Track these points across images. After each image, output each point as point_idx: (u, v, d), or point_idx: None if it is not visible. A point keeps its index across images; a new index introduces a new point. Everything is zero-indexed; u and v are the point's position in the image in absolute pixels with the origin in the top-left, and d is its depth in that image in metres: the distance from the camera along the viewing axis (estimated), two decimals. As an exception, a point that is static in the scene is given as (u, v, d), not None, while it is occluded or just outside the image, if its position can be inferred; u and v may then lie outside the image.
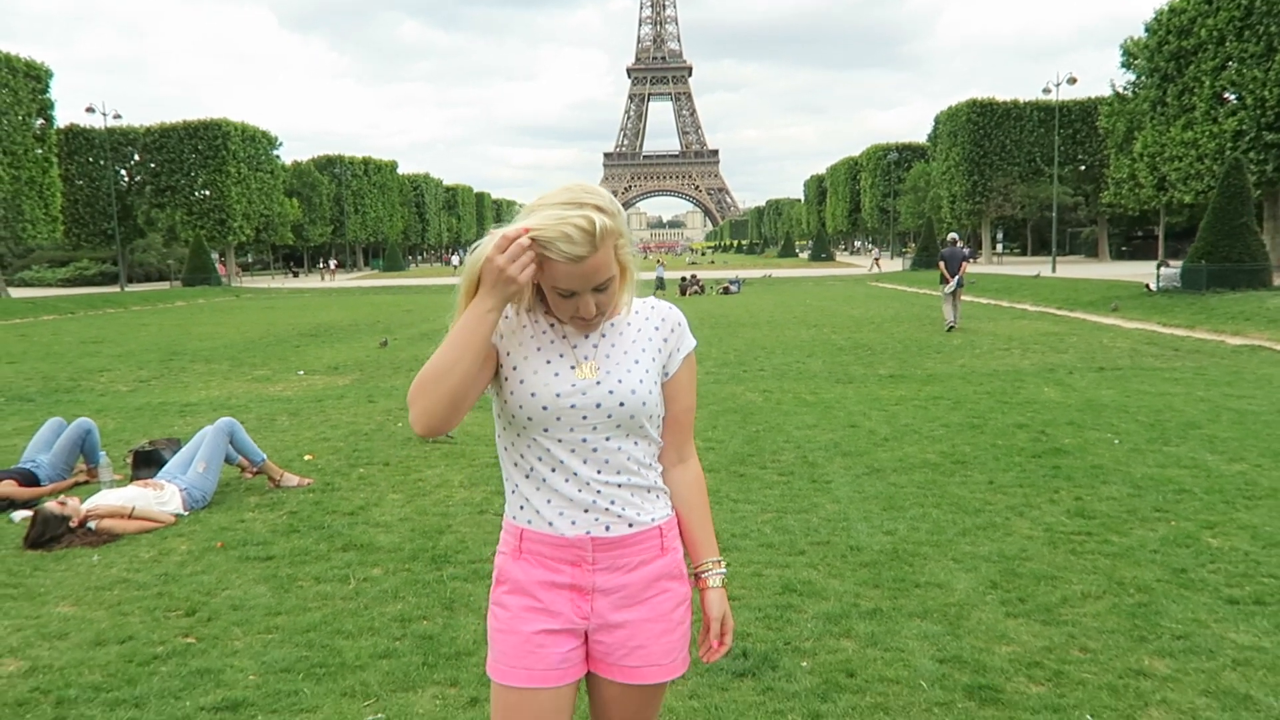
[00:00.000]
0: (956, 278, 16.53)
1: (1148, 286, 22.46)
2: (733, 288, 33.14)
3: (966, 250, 18.34)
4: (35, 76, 40.00)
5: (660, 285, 32.99)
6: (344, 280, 58.61)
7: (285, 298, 38.27)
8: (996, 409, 8.53)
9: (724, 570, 1.93)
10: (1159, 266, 23.37)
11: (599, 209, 1.62)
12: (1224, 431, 7.28)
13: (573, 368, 1.73)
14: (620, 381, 1.73)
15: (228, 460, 6.16)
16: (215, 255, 51.57)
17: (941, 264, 17.01)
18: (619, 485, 1.76)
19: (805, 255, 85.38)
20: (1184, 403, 8.64)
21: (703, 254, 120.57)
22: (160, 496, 5.53)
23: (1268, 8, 28.83)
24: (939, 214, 56.05)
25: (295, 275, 67.47)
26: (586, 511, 1.75)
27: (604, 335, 1.78)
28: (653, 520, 1.80)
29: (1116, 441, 7.02)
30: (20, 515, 5.60)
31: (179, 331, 21.18)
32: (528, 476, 1.78)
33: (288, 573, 4.55)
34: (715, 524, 5.11)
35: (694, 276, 35.78)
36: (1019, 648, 3.50)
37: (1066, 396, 9.17)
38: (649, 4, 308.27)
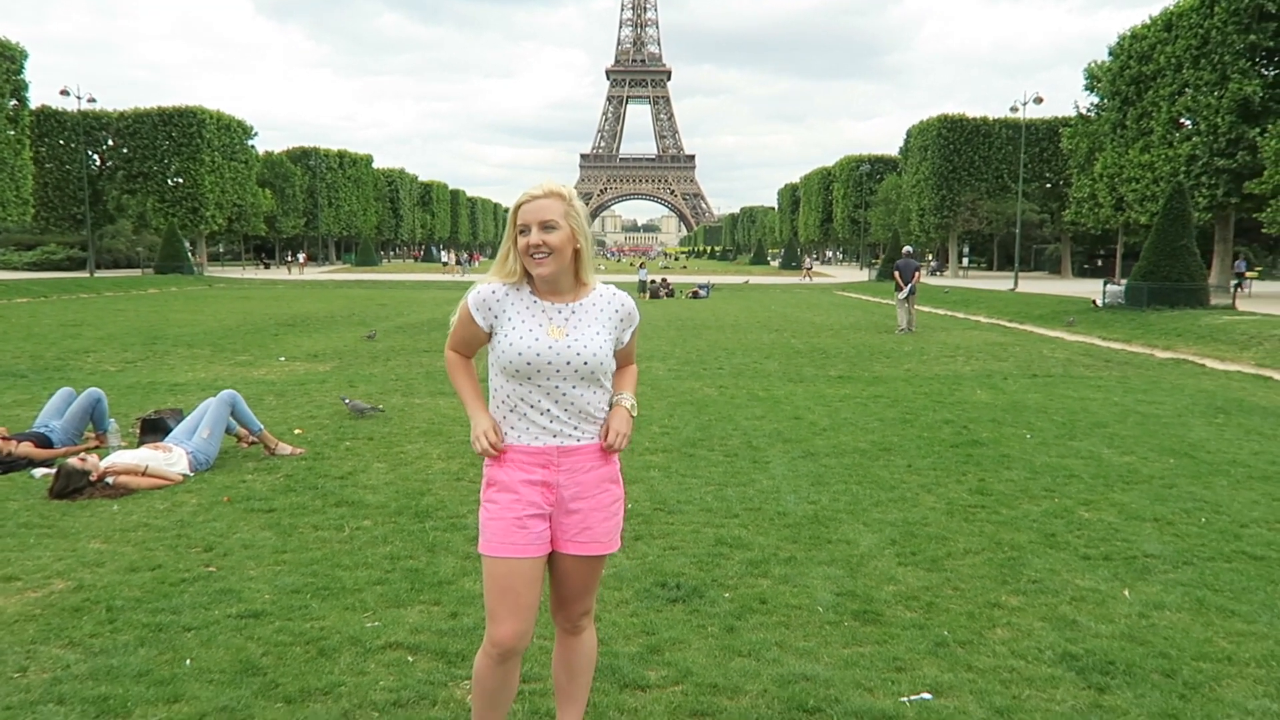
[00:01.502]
0: (909, 285, 17.64)
1: (1094, 302, 23.57)
2: (701, 292, 33.96)
3: (932, 262, 19.57)
4: (9, 57, 39.93)
5: (642, 288, 33.99)
6: (315, 273, 58.79)
7: (258, 288, 38.58)
8: (929, 407, 9.35)
9: (631, 402, 2.59)
10: (1105, 284, 24.48)
11: (561, 186, 2.46)
12: (1126, 430, 8.13)
13: (549, 333, 2.46)
14: (585, 346, 2.47)
15: (226, 430, 6.79)
16: (186, 243, 51.52)
17: (896, 273, 18.18)
18: (579, 421, 2.50)
19: (776, 264, 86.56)
20: (1099, 406, 9.51)
21: (675, 259, 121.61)
22: (169, 458, 6.17)
23: (1222, 38, 30.16)
24: (908, 226, 57.24)
25: (266, 267, 67.47)
26: (555, 436, 2.48)
27: (574, 311, 2.51)
28: (596, 438, 2.54)
29: (1029, 436, 7.84)
30: (40, 472, 6.22)
31: (156, 318, 21.60)
32: (512, 410, 2.50)
33: (289, 522, 5.22)
34: (663, 492, 5.91)
35: (664, 280, 36.61)
36: (903, 587, 4.26)
37: (996, 399, 10.01)
38: (630, 6, 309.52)
